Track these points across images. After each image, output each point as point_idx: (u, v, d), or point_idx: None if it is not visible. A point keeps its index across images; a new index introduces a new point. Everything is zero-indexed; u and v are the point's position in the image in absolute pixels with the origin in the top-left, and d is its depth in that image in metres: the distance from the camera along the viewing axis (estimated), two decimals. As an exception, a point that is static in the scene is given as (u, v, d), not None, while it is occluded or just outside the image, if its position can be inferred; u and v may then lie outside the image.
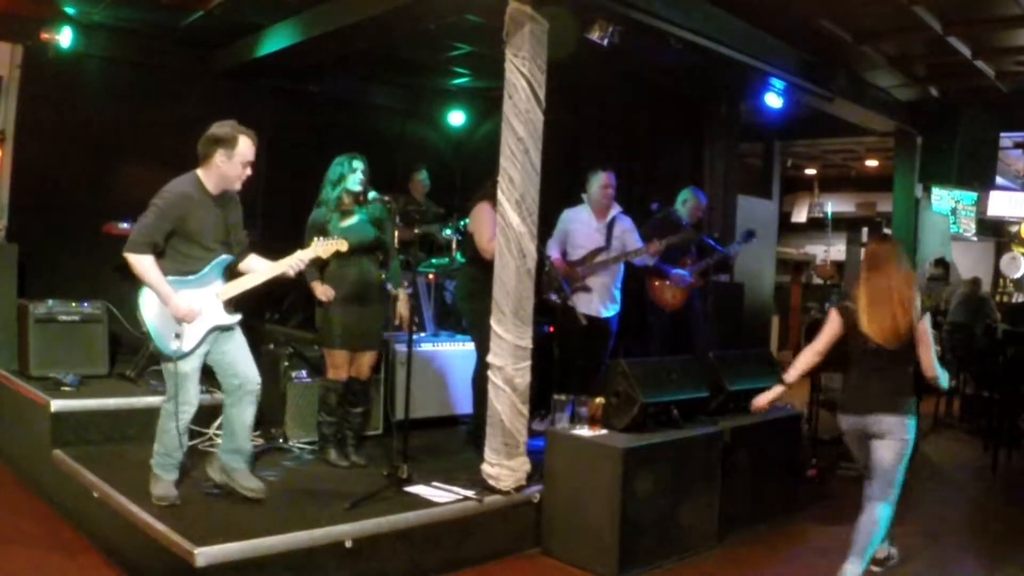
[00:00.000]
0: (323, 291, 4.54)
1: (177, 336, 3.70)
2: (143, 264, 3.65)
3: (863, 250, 5.19)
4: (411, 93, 8.38)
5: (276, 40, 6.12)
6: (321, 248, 4.05)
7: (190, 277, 3.75)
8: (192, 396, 3.79)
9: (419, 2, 4.90)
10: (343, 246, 4.16)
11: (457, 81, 7.96)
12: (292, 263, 3.94)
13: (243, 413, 3.91)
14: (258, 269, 3.96)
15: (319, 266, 4.49)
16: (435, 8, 5.04)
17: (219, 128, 3.78)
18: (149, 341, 3.74)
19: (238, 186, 3.87)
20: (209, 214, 3.78)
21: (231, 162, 3.76)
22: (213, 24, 6.18)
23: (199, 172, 3.80)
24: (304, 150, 5.18)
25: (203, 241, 3.77)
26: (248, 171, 3.85)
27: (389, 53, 6.69)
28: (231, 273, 3.93)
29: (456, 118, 8.71)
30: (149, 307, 3.70)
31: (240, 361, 3.91)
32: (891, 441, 3.85)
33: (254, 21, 6.15)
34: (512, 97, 4.30)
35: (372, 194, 4.56)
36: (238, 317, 3.89)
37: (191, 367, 3.77)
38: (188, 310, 3.71)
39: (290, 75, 7.06)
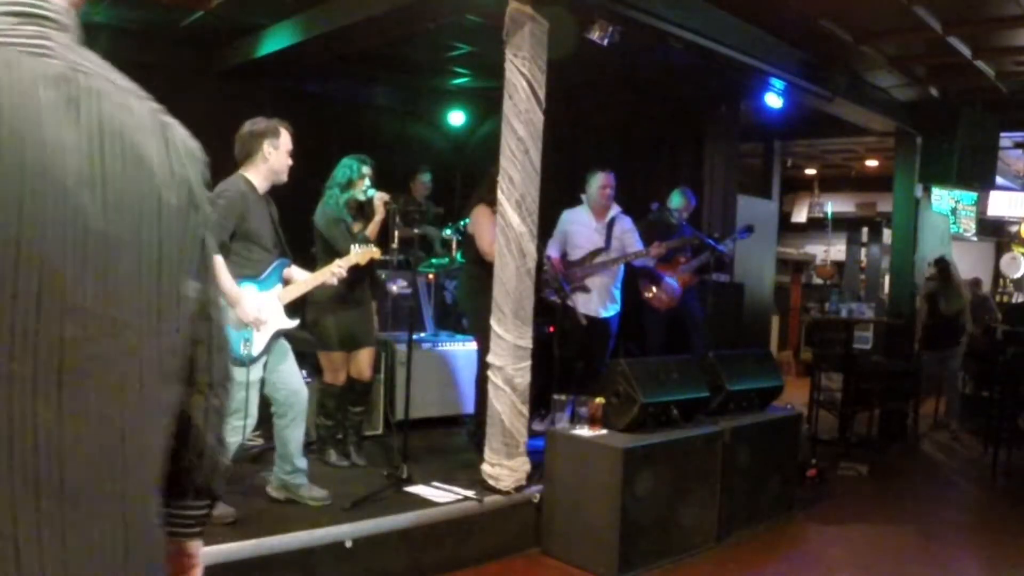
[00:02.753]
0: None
1: (246, 341, 3.64)
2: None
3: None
4: (411, 93, 8.39)
5: (276, 40, 6.12)
6: (359, 256, 4.07)
7: (254, 280, 3.71)
8: (255, 408, 3.69)
9: (419, 2, 4.90)
10: (377, 254, 4.18)
11: (457, 81, 7.96)
12: (334, 270, 3.95)
13: (297, 431, 3.90)
14: (300, 277, 3.93)
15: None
16: (435, 8, 5.04)
17: (256, 123, 3.77)
18: None
19: (285, 177, 3.85)
20: (263, 214, 3.77)
21: (279, 152, 3.77)
22: (213, 24, 6.18)
23: (243, 172, 3.77)
24: (304, 150, 5.17)
25: (262, 242, 3.74)
26: (290, 160, 3.84)
27: (389, 53, 6.69)
28: None
29: (456, 118, 8.71)
30: None
31: (293, 375, 3.89)
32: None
33: (254, 21, 6.15)
34: (512, 97, 4.30)
35: (371, 192, 4.55)
36: (297, 321, 3.88)
37: (257, 376, 3.70)
38: (256, 315, 3.64)
39: (290, 75, 7.06)
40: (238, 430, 3.63)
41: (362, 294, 4.66)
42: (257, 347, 3.67)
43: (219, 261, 3.55)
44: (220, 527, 3.49)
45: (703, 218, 7.26)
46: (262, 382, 3.77)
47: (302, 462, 3.97)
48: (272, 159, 3.76)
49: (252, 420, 3.68)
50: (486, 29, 5.14)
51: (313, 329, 4.63)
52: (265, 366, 3.77)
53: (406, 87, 8.28)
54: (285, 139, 3.80)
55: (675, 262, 6.20)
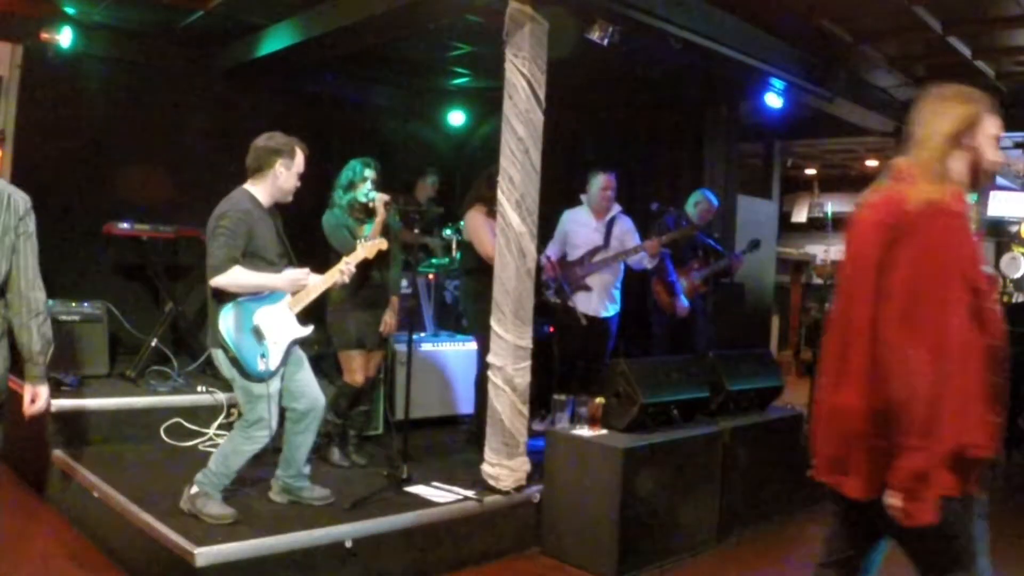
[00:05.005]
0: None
1: (263, 356, 3.61)
2: (234, 275, 3.55)
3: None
4: (411, 93, 8.38)
5: (276, 40, 6.12)
6: (366, 249, 4.05)
7: (262, 295, 3.69)
8: (275, 419, 3.68)
9: (419, 2, 4.90)
10: (384, 245, 4.14)
11: (457, 81, 7.95)
12: (343, 268, 3.92)
13: (309, 437, 3.90)
14: (310, 281, 3.91)
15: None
16: (435, 8, 5.03)
17: (273, 139, 3.74)
18: (235, 366, 3.60)
19: (291, 198, 3.82)
20: (268, 228, 3.74)
21: (289, 173, 3.74)
22: (213, 24, 6.17)
23: (249, 187, 3.74)
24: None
25: (268, 256, 3.71)
26: (298, 183, 3.82)
27: (389, 53, 6.69)
28: None
29: (456, 118, 8.70)
30: (230, 331, 3.58)
31: (311, 384, 3.88)
32: None
33: (254, 21, 6.14)
34: (512, 97, 4.30)
35: (372, 194, 4.55)
36: (311, 328, 3.85)
37: (276, 387, 3.68)
38: (296, 277, 3.70)
39: (290, 75, 7.05)
40: (259, 440, 3.66)
41: (377, 296, 4.65)
42: (274, 361, 3.66)
43: (238, 268, 3.57)
44: (220, 527, 3.49)
45: (713, 221, 7.24)
46: (280, 393, 3.76)
47: (306, 467, 3.98)
48: (282, 179, 3.73)
49: (272, 431, 3.69)
50: (486, 29, 5.14)
51: (332, 330, 4.63)
52: (282, 376, 3.76)
53: (406, 87, 8.28)
54: (299, 161, 3.77)
55: (689, 268, 6.18)
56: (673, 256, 6.03)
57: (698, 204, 6.31)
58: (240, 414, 3.79)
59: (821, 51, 6.15)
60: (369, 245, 4.06)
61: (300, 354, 3.88)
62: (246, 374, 3.60)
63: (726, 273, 6.42)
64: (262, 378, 3.60)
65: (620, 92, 7.51)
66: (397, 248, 4.72)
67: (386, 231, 4.57)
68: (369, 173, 4.57)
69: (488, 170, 4.93)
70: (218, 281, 3.54)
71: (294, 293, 3.83)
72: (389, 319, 4.76)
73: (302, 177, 3.83)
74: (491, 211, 4.81)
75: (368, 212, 4.58)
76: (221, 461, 3.67)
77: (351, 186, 4.57)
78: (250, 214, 3.65)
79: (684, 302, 6.08)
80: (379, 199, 4.51)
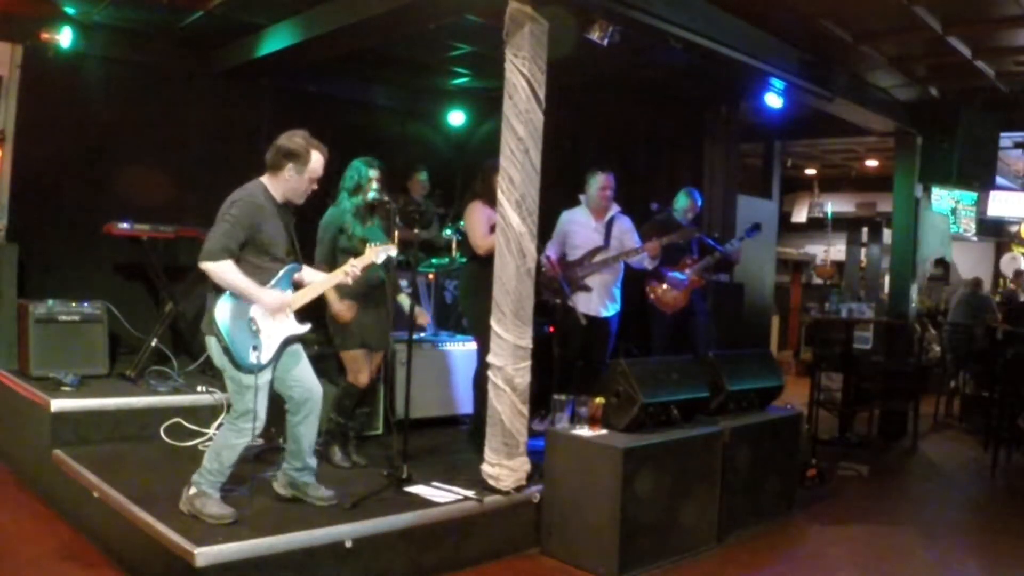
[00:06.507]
0: (345, 307, 4.47)
1: (255, 348, 3.59)
2: (223, 269, 3.52)
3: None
4: (411, 93, 8.39)
5: (276, 40, 6.12)
6: (374, 254, 4.03)
7: (263, 288, 3.68)
8: (263, 411, 3.67)
9: (419, 2, 4.90)
10: (393, 251, 4.13)
11: (457, 81, 7.96)
12: (348, 270, 3.91)
13: (310, 429, 3.89)
14: (315, 279, 3.91)
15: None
16: (435, 8, 5.04)
17: (291, 140, 3.70)
18: (226, 356, 3.58)
19: (301, 201, 3.80)
20: (278, 223, 3.72)
21: (300, 177, 3.70)
22: (213, 24, 6.18)
23: (265, 181, 3.72)
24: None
25: (274, 251, 3.69)
26: (315, 186, 3.79)
27: (389, 53, 6.69)
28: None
29: (456, 118, 8.71)
30: (225, 320, 3.57)
31: (307, 374, 3.87)
32: None
33: (254, 21, 6.15)
34: (512, 97, 4.30)
35: (372, 195, 4.55)
36: (308, 326, 3.83)
37: (266, 380, 3.67)
38: (281, 301, 3.65)
39: (290, 75, 7.06)
40: (247, 432, 3.64)
41: (380, 296, 4.65)
42: (266, 355, 3.65)
43: (230, 264, 3.54)
44: (220, 527, 3.49)
45: (703, 218, 7.26)
46: (271, 384, 3.75)
47: (312, 460, 3.97)
48: (291, 182, 3.70)
49: (260, 423, 3.68)
50: (486, 29, 5.15)
51: (333, 330, 4.62)
52: (274, 370, 3.75)
53: (406, 87, 8.28)
54: (314, 166, 3.72)
55: (682, 265, 6.18)
56: (667, 254, 6.02)
57: (681, 203, 6.35)
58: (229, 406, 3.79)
59: (821, 51, 6.15)
60: (379, 249, 4.06)
61: (297, 349, 3.87)
62: (236, 364, 3.59)
63: (727, 265, 6.42)
64: (252, 370, 3.59)
65: (620, 92, 7.51)
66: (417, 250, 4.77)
67: (387, 229, 4.59)
68: (374, 174, 4.58)
69: (483, 167, 4.99)
70: (206, 266, 3.53)
71: (296, 288, 3.82)
72: (421, 316, 4.82)
73: (319, 182, 3.79)
74: (488, 203, 4.88)
75: (372, 211, 4.59)
76: (214, 457, 3.67)
77: (357, 189, 4.57)
78: (262, 208, 3.65)
79: (676, 275, 6.10)
80: (374, 198, 4.53)
